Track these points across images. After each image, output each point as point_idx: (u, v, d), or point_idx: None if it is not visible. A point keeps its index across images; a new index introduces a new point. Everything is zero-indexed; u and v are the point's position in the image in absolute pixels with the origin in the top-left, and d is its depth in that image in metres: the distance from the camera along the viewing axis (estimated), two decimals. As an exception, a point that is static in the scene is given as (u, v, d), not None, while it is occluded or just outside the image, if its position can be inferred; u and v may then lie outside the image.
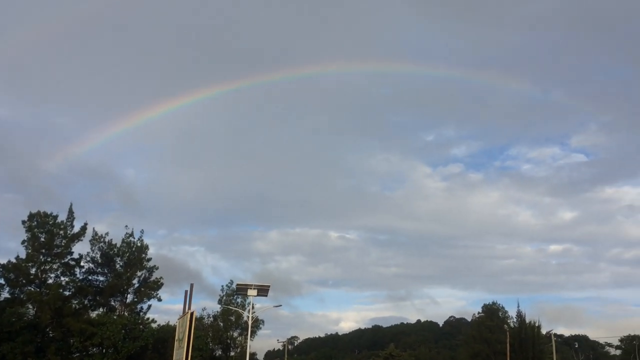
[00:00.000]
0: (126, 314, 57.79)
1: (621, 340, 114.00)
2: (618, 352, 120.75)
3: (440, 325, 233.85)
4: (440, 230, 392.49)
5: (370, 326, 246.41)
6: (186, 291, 37.70)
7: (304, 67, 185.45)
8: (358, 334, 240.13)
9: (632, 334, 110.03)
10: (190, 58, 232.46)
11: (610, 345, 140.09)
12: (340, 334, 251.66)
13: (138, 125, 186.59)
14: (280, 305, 62.06)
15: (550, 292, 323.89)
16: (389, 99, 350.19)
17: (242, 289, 51.51)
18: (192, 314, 33.20)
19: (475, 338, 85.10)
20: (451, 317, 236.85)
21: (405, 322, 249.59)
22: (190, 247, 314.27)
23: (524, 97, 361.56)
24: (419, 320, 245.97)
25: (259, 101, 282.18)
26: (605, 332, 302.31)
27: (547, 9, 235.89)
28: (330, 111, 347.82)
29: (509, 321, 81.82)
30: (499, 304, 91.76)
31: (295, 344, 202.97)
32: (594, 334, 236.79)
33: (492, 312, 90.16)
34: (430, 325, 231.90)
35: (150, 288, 58.62)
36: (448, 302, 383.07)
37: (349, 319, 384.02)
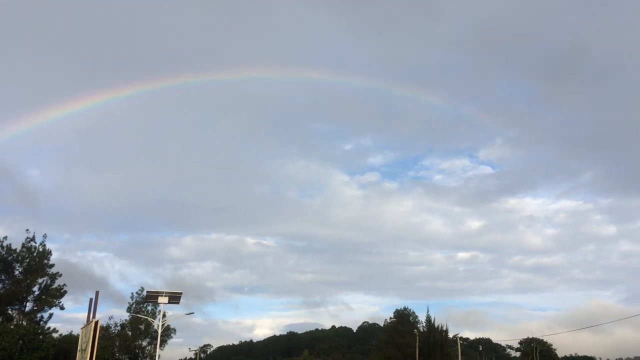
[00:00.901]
0: (25, 323, 54.04)
1: (521, 343, 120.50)
2: (518, 354, 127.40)
3: (354, 330, 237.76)
4: (356, 238, 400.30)
5: (285, 333, 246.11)
6: (91, 299, 35.92)
7: (224, 72, 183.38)
8: (273, 340, 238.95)
9: (531, 336, 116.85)
10: (104, 56, 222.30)
11: (511, 347, 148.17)
12: (254, 341, 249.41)
13: (43, 124, 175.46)
14: (193, 313, 60.57)
15: (458, 297, 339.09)
16: (309, 107, 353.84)
17: (152, 297, 49.78)
18: (96, 322, 31.61)
19: (386, 342, 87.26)
20: (365, 322, 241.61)
21: (320, 328, 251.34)
22: (98, 253, 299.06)
23: (438, 111, 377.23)
24: (333, 326, 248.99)
25: (175, 103, 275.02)
26: (506, 335, 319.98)
27: (459, 27, 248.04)
28: (250, 117, 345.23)
29: (418, 326, 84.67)
30: (410, 309, 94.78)
31: (208, 352, 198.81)
32: (496, 337, 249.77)
33: (403, 317, 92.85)
34: (344, 331, 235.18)
35: (52, 296, 55.18)
36: (362, 308, 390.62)
37: (264, 325, 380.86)
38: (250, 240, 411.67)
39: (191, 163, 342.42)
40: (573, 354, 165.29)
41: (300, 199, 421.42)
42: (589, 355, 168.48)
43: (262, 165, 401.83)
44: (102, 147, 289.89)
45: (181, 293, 49.35)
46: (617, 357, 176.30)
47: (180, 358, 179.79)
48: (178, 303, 50.18)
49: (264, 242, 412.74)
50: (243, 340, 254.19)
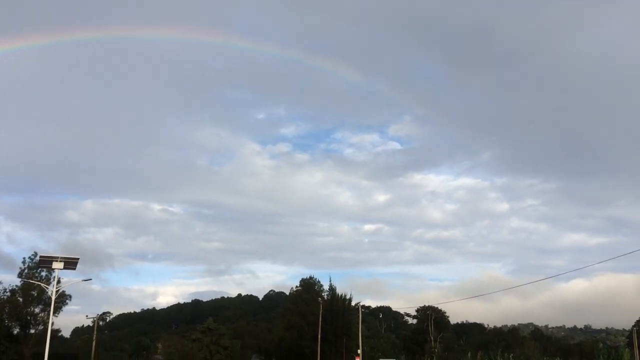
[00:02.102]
0: None
1: (417, 311, 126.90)
2: (415, 321, 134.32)
3: (260, 299, 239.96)
4: (266, 207, 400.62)
5: (190, 301, 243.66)
6: (-25, 262, 33.35)
7: (137, 29, 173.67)
8: (177, 308, 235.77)
9: (427, 304, 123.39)
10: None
11: (408, 315, 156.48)
12: (157, 309, 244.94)
13: None
14: (90, 279, 58.05)
15: (362, 267, 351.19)
16: (222, 74, 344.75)
17: (46, 262, 47.16)
18: (-20, 287, 29.45)
19: (291, 310, 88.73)
20: (271, 291, 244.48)
21: (225, 297, 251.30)
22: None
23: (351, 85, 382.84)
24: (239, 295, 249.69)
25: (80, 58, 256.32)
26: (405, 303, 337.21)
27: (376, 5, 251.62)
28: (159, 79, 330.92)
29: (323, 294, 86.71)
30: (316, 279, 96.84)
31: (108, 320, 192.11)
32: (396, 305, 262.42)
33: (308, 286, 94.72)
34: (250, 299, 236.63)
35: None
36: (269, 276, 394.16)
37: (167, 293, 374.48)
38: (155, 207, 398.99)
39: (91, 124, 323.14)
40: (465, 321, 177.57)
41: (210, 166, 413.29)
42: (478, 322, 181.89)
43: (171, 130, 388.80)
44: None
45: (78, 258, 47.16)
46: (503, 324, 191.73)
47: (77, 325, 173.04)
48: (74, 269, 47.93)
49: (171, 209, 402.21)
50: (145, 308, 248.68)
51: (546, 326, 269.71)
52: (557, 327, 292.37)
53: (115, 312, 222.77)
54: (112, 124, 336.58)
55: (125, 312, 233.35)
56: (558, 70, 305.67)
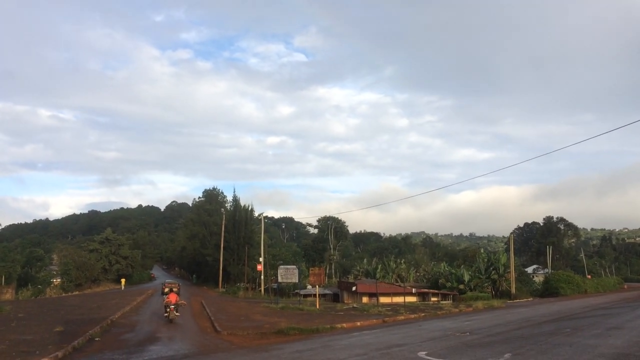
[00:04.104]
0: None
1: (319, 221, 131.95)
2: (316, 231, 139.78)
3: (162, 210, 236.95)
4: (166, 117, 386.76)
5: (86, 212, 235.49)
6: None
7: None
8: (72, 219, 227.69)
9: (328, 215, 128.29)
10: None
11: (310, 225, 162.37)
12: (51, 219, 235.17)
13: None
14: (-28, 188, 53.54)
15: (266, 179, 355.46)
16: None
17: None
18: None
19: (193, 221, 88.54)
20: (173, 202, 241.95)
21: (125, 207, 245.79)
22: None
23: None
24: (140, 206, 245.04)
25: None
26: (307, 213, 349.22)
27: None
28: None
29: (226, 205, 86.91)
30: (219, 190, 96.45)
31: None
32: (298, 216, 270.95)
33: (212, 197, 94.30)
34: (151, 210, 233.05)
35: None
36: (170, 187, 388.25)
37: (61, 204, 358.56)
38: (44, 112, 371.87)
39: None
40: (362, 231, 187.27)
41: (103, 70, 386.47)
42: (375, 231, 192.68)
43: (57, 28, 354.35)
44: None
45: (-45, 165, 42.98)
46: (398, 233, 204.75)
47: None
48: (-49, 176, 43.84)
49: (61, 115, 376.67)
50: (38, 219, 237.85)
51: (436, 234, 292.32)
52: (445, 235, 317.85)
53: (4, 222, 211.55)
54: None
55: (16, 223, 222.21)
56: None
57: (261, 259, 58.23)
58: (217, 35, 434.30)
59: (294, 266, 43.45)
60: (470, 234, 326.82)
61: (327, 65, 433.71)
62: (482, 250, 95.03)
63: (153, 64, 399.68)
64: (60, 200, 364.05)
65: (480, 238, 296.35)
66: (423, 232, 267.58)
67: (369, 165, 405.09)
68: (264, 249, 60.58)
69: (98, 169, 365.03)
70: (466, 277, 64.16)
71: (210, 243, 78.99)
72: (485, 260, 68.79)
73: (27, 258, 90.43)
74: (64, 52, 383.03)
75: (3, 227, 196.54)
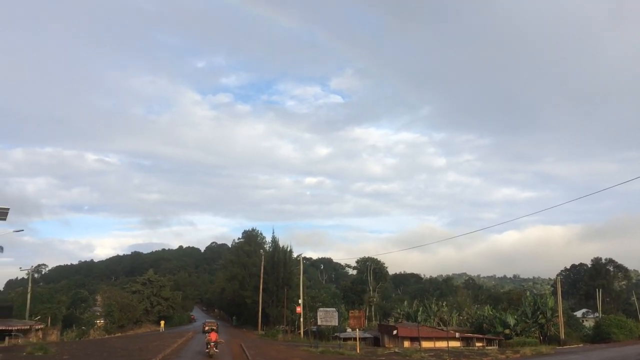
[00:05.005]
0: None
1: (357, 262, 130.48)
2: (355, 272, 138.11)
3: (202, 250, 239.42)
4: (206, 159, 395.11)
5: (129, 253, 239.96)
6: None
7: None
8: (116, 260, 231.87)
9: (367, 256, 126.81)
10: None
11: (349, 266, 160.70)
12: (95, 261, 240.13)
13: None
14: (22, 230, 55.73)
15: (304, 219, 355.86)
16: (157, 17, 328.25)
17: (-28, 212, 44.65)
18: None
19: (233, 262, 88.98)
20: (213, 242, 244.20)
21: (166, 249, 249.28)
22: None
23: (292, 34, 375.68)
24: (180, 247, 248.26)
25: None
26: (345, 254, 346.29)
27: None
28: (90, 19, 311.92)
29: (265, 246, 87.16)
30: (258, 230, 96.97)
31: (44, 273, 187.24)
32: (336, 256, 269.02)
33: (250, 237, 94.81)
34: (191, 251, 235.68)
35: None
36: (210, 228, 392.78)
37: (105, 245, 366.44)
38: (90, 157, 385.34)
39: (17, 66, 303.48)
40: (402, 272, 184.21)
41: (147, 115, 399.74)
42: (415, 272, 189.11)
43: (104, 75, 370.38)
44: None
45: (8, 209, 44.79)
46: (439, 274, 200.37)
47: (11, 278, 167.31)
48: (5, 219, 45.56)
49: (107, 159, 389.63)
50: (83, 260, 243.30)
51: (478, 275, 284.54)
52: (488, 276, 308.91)
53: (51, 264, 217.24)
54: (41, 67, 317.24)
55: (62, 264, 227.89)
56: (493, 28, 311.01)
57: (300, 301, 57.83)
58: (256, 79, 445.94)
59: (334, 309, 42.96)
60: (514, 276, 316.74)
61: (363, 106, 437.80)
62: (527, 293, 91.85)
63: (194, 108, 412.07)
64: (105, 241, 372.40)
65: (525, 280, 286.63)
66: (465, 274, 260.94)
67: (407, 204, 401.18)
68: (302, 291, 60.21)
69: (141, 211, 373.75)
70: (512, 322, 61.88)
71: (250, 284, 79.02)
72: (532, 303, 66.29)
73: (72, 299, 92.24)
74: (110, 99, 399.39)
75: (50, 268, 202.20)
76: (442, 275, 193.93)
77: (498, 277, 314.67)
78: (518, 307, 68.78)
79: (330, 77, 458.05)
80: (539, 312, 63.36)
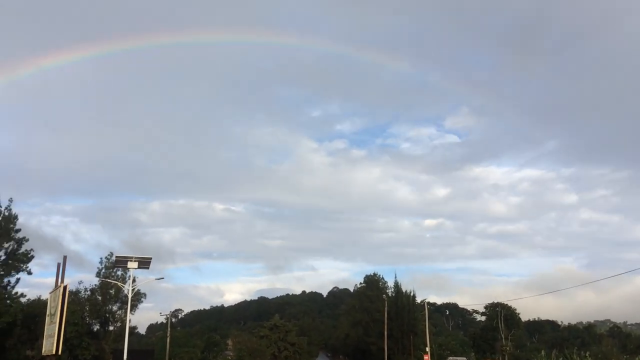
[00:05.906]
0: (-9, 288, 53.08)
1: (486, 307, 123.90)
2: (483, 318, 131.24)
3: (324, 295, 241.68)
4: (324, 204, 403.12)
5: (256, 298, 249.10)
6: (59, 264, 35.46)
7: (188, 34, 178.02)
8: (244, 305, 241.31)
9: (496, 301, 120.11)
10: (64, 17, 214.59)
11: (476, 312, 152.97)
12: (225, 306, 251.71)
13: (2, 85, 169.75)
14: (163, 278, 60.15)
15: (425, 263, 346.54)
16: (275, 73, 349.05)
17: (121, 262, 49.49)
18: (65, 287, 31.30)
19: (356, 307, 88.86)
20: (334, 287, 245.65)
21: (290, 294, 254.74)
22: (64, 218, 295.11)
23: (404, 78, 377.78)
24: (303, 292, 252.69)
25: (138, 67, 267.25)
26: (471, 299, 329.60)
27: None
28: (215, 81, 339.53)
29: (387, 291, 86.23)
30: (379, 275, 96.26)
31: (180, 317, 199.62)
32: (462, 302, 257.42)
33: (372, 282, 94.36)
34: (314, 296, 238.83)
35: (19, 260, 54.01)
36: (332, 273, 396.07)
37: (234, 291, 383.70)
38: (218, 206, 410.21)
39: (155, 128, 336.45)
40: (536, 318, 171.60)
41: (268, 165, 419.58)
42: (551, 319, 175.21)
43: (229, 131, 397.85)
44: (66, 109, 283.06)
45: (150, 258, 49.15)
46: (578, 321, 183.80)
47: (152, 322, 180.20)
48: (148, 268, 50.04)
49: (233, 208, 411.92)
50: (214, 305, 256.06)
51: (625, 323, 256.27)
52: (636, 323, 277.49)
53: (186, 309, 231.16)
54: (175, 127, 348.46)
55: (195, 309, 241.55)
56: (622, 53, 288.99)
57: (427, 349, 56.16)
58: (370, 123, 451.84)
59: (464, 358, 41.25)
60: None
61: (481, 144, 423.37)
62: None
63: (312, 155, 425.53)
64: (233, 286, 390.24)
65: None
66: (609, 320, 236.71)
67: (537, 245, 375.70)
68: (429, 338, 58.49)
69: (264, 257, 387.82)
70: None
71: (374, 331, 78.23)
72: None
73: (206, 343, 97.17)
74: (235, 152, 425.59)
75: (185, 313, 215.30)
76: (582, 322, 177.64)
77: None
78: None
79: (444, 117, 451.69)
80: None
